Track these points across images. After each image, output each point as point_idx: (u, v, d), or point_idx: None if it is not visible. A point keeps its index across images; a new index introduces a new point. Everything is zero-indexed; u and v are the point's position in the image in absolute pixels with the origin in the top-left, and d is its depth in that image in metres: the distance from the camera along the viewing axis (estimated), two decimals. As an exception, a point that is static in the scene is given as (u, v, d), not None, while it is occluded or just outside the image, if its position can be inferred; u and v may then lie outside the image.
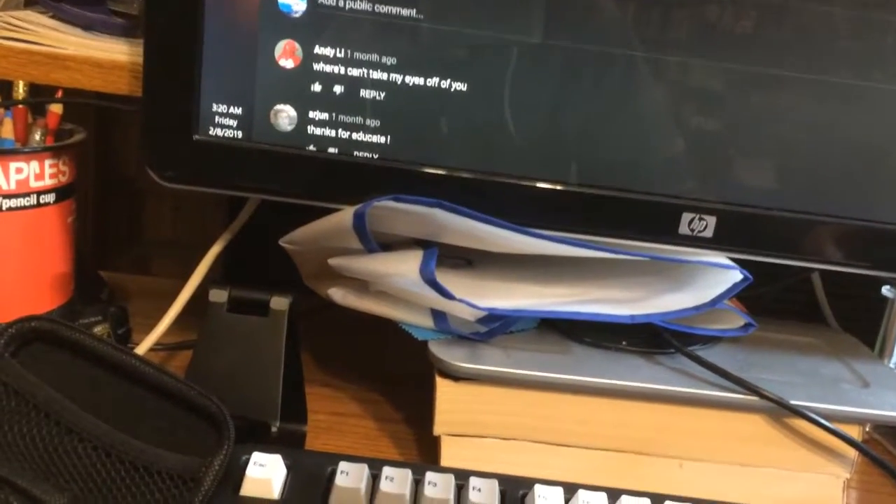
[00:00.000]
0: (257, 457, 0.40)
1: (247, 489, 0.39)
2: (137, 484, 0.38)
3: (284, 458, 0.41)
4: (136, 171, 0.74)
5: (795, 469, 0.47)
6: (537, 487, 0.41)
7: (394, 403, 0.56)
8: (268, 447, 0.41)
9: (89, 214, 0.73)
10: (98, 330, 0.55)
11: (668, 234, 0.48)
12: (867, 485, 0.52)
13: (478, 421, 0.47)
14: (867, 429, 0.49)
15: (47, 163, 0.48)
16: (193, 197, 0.74)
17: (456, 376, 0.46)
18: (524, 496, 0.41)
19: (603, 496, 0.41)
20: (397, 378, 0.58)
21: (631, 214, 0.48)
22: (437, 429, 0.47)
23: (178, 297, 0.52)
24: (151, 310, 0.56)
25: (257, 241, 0.54)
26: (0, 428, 0.38)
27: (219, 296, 0.47)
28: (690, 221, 0.48)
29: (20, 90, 0.52)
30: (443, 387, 0.46)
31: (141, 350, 0.52)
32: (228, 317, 0.47)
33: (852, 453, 0.47)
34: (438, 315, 0.48)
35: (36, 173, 0.48)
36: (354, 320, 0.52)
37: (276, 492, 0.39)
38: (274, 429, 0.45)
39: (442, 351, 0.47)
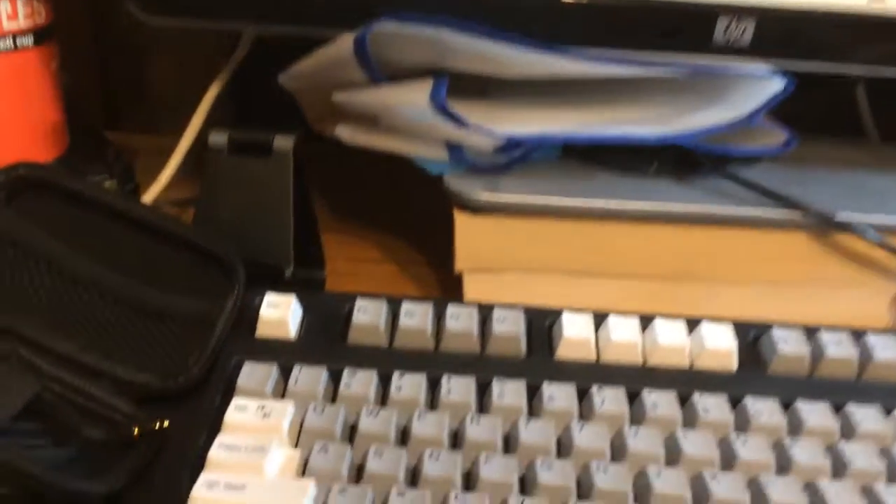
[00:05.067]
0: (271, 298, 0.38)
1: (262, 331, 0.38)
2: (150, 330, 0.37)
3: (300, 299, 0.39)
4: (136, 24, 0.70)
5: (840, 286, 0.45)
6: (565, 316, 0.39)
7: (415, 246, 0.54)
8: (282, 289, 0.40)
9: (92, 75, 0.70)
10: (105, 186, 0.53)
11: (702, 43, 0.44)
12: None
13: (500, 255, 0.45)
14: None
15: (19, 2, 0.45)
16: (198, 51, 0.70)
17: (475, 209, 0.43)
18: (551, 325, 0.39)
19: (635, 321, 0.39)
20: (418, 220, 0.55)
21: (660, 23, 0.43)
22: (459, 265, 0.45)
23: (181, 141, 0.49)
24: (158, 166, 0.54)
25: (260, 84, 0.50)
26: (1, 280, 0.37)
27: (218, 139, 0.44)
28: (727, 27, 0.43)
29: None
30: (461, 220, 0.44)
31: (146, 200, 0.50)
32: (230, 160, 0.44)
33: (901, 267, 0.44)
34: (453, 147, 0.45)
35: (8, 13, 0.44)
36: (368, 164, 0.49)
37: (292, 332, 0.38)
38: (288, 273, 0.44)
39: (459, 184, 0.44)
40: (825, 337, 0.38)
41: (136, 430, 0.34)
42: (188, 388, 0.35)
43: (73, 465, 0.32)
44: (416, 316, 0.38)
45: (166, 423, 0.34)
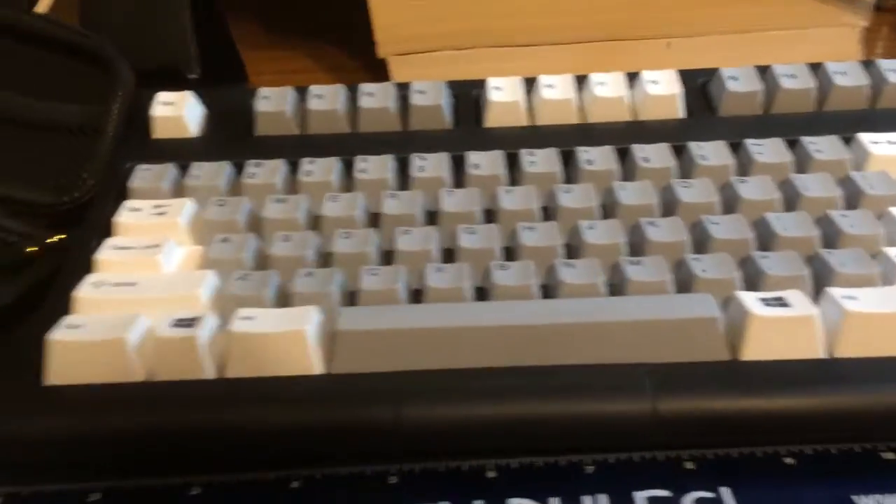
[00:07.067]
0: (163, 96, 0.35)
1: (159, 132, 0.34)
2: (40, 144, 0.34)
3: (202, 97, 0.36)
4: None
5: (803, 26, 0.40)
6: (491, 81, 0.35)
7: (349, 53, 0.49)
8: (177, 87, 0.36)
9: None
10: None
11: None
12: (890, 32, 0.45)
13: (426, 33, 0.40)
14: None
15: None
16: None
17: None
18: (479, 96, 0.35)
19: (569, 79, 0.35)
20: (348, 27, 0.51)
21: None
22: (381, 50, 0.41)
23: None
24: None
25: None
26: None
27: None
28: None
29: None
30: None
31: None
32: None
33: (869, -3, 0.40)
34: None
35: None
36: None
37: (192, 130, 0.34)
38: (193, 76, 0.40)
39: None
40: (779, 70, 0.34)
41: (29, 249, 0.31)
42: (84, 200, 0.33)
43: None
44: (325, 98, 0.34)
45: (61, 239, 0.32)
